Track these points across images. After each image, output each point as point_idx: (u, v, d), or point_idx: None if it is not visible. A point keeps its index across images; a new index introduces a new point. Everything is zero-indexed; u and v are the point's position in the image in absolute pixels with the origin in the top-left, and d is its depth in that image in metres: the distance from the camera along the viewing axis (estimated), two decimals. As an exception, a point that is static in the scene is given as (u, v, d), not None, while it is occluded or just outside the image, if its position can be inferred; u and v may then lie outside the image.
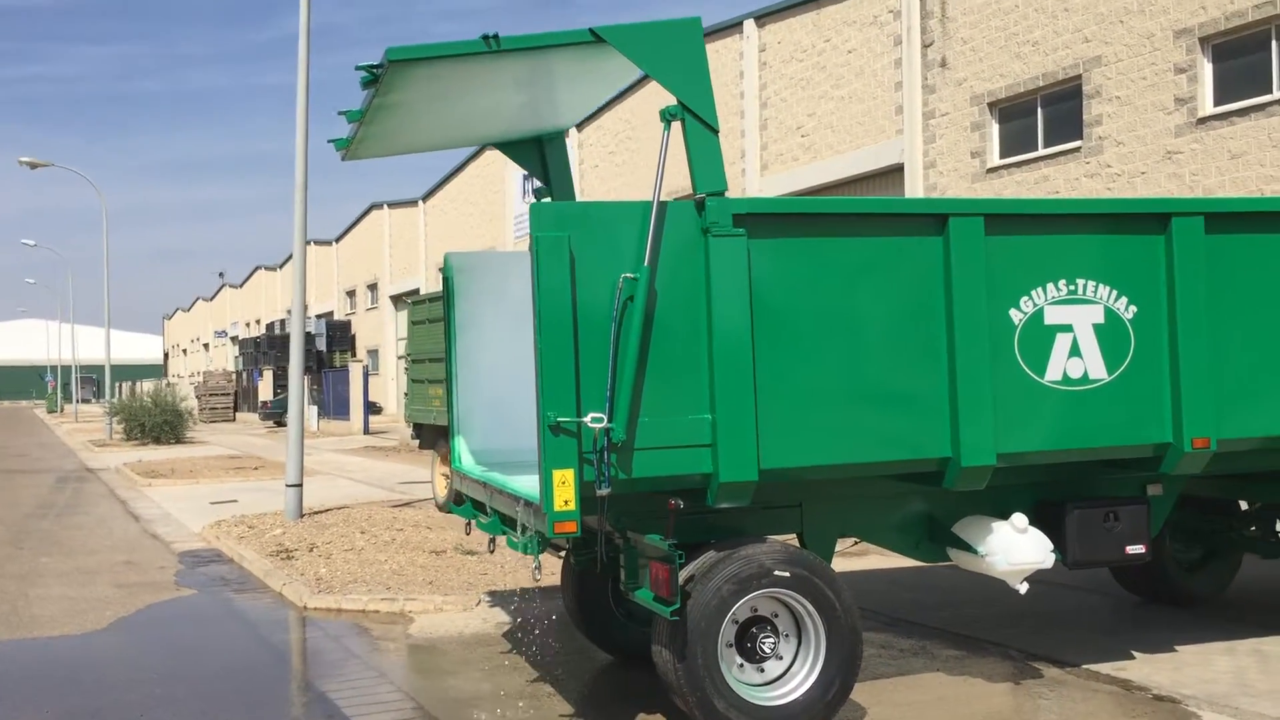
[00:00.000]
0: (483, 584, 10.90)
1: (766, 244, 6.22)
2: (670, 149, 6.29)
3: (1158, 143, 18.71)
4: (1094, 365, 6.71)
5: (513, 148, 8.25)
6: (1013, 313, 6.61)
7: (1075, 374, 6.68)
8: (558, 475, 5.88)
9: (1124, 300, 6.77)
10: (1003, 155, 22.02)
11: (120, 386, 63.98)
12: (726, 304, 6.10)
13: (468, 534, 8.73)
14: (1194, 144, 18.11)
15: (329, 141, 7.75)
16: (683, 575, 6.12)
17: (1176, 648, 7.94)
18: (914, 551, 7.25)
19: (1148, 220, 6.82)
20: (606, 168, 35.24)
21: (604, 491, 5.97)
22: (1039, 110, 21.25)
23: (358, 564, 12.08)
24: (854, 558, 11.34)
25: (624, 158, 34.52)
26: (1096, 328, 6.72)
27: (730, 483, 6.12)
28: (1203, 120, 18.00)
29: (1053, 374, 6.65)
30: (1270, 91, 17.14)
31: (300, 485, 15.67)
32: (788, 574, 6.23)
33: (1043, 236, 6.64)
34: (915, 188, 23.66)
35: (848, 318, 6.37)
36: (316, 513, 16.18)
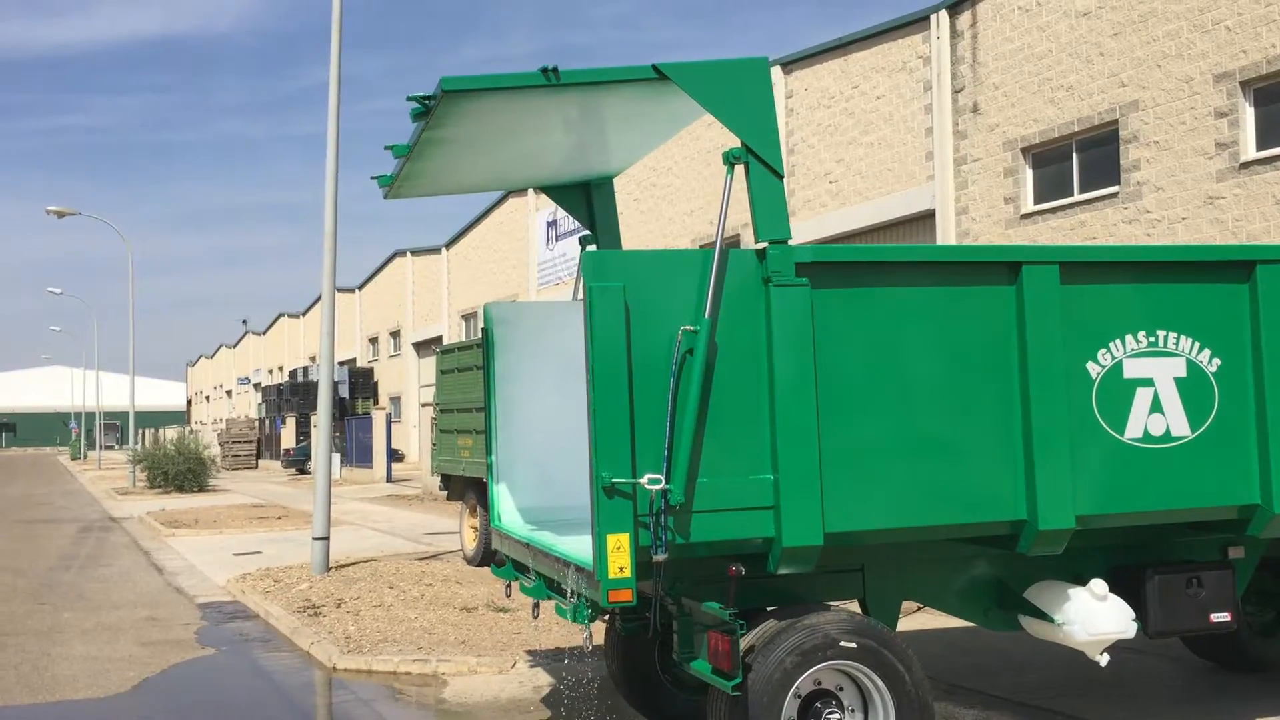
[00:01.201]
0: (517, 644, 10.52)
1: (830, 294, 5.90)
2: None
3: (1198, 188, 18.35)
4: (1176, 422, 6.33)
5: (559, 192, 7.96)
6: (1090, 366, 6.25)
7: (1157, 431, 6.31)
8: (612, 540, 5.53)
9: (1207, 353, 6.41)
10: (1037, 201, 21.70)
11: (143, 433, 63.98)
12: (788, 358, 5.77)
13: (508, 596, 8.37)
14: (1237, 189, 17.74)
15: (372, 178, 7.45)
16: (742, 645, 5.75)
17: (1260, 720, 7.49)
18: (982, 618, 6.85)
19: (1231, 268, 6.46)
20: (631, 214, 35.09)
21: (660, 557, 5.62)
22: (1074, 155, 20.94)
23: (387, 621, 11.73)
24: (902, 618, 10.89)
25: (649, 205, 34.37)
26: (1178, 382, 6.35)
27: (793, 547, 5.76)
28: (1245, 165, 17.65)
29: (1133, 431, 6.28)
30: (1316, 135, 16.79)
31: (327, 538, 15.34)
32: (854, 645, 5.86)
33: (1121, 286, 6.29)
34: (947, 234, 23.35)
35: (916, 372, 6.02)
36: (343, 566, 15.84)
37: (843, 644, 5.85)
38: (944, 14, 23.49)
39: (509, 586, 8.09)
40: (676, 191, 32.73)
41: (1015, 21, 21.89)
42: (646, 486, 5.57)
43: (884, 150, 25.16)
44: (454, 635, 10.95)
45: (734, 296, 5.84)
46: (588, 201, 7.96)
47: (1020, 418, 6.10)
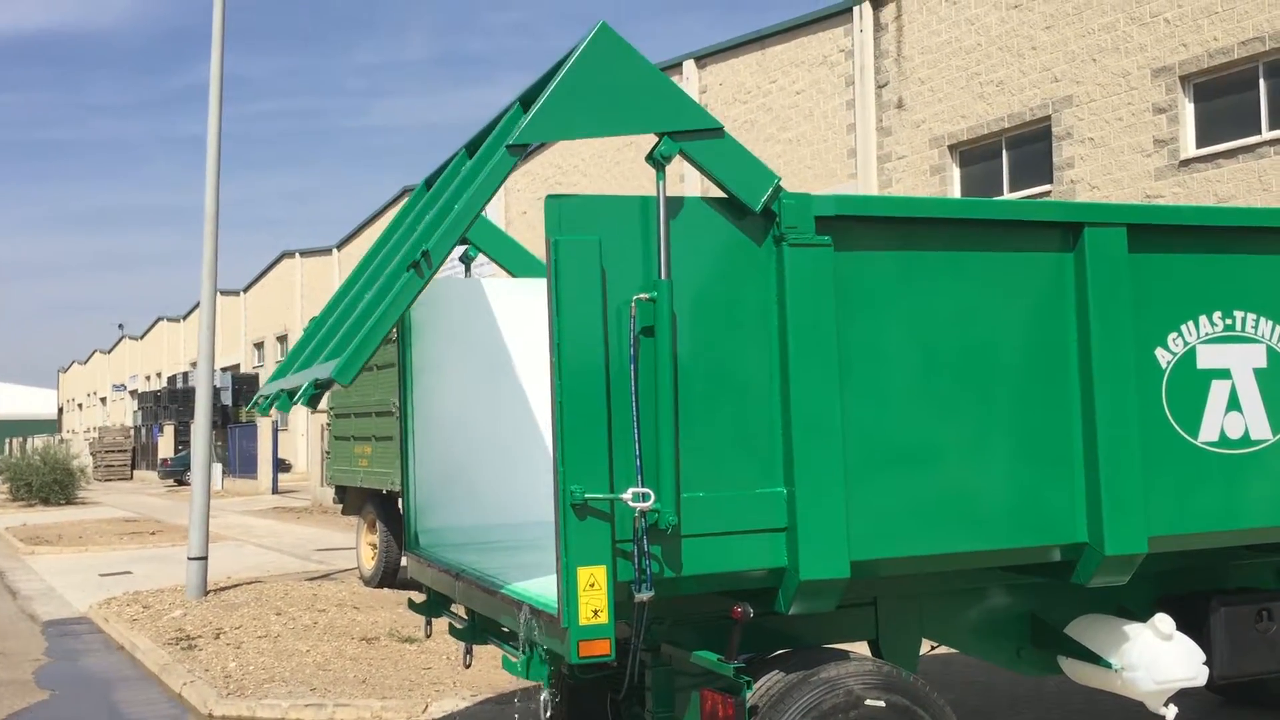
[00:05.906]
0: (427, 681, 9.08)
1: (856, 258, 4.66)
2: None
3: (1136, 186, 17.70)
4: (1256, 422, 5.23)
5: None
6: (1159, 353, 5.11)
7: (1234, 433, 5.19)
8: (584, 574, 4.20)
9: (1288, 338, 5.33)
10: (964, 200, 20.93)
11: (10, 443, 60.36)
12: (808, 336, 4.51)
13: (427, 637, 6.96)
14: (1176, 187, 17.12)
15: (248, 408, 6.30)
16: (741, 706, 4.47)
17: (1309, 770, 6.45)
18: (1014, 661, 5.66)
19: (1317, 237, 5.39)
20: (535, 214, 33.70)
21: (644, 596, 4.31)
22: (1004, 153, 20.22)
23: (274, 656, 10.18)
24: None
25: (554, 203, 33.04)
26: (1258, 373, 5.25)
27: (814, 581, 4.49)
28: (1185, 162, 17.03)
29: (1208, 433, 5.15)
30: (1259, 132, 16.22)
31: (205, 558, 13.65)
32: (883, 703, 4.62)
33: (1194, 255, 5.17)
34: (870, 234, 22.48)
35: (961, 358, 4.81)
36: (223, 588, 14.16)
37: (869, 703, 4.62)
38: (867, 6, 22.64)
39: (429, 624, 6.68)
40: (584, 191, 31.44)
41: (942, 14, 21.12)
42: (630, 504, 4.25)
43: (803, 147, 24.21)
44: (353, 672, 9.47)
45: (727, 259, 4.57)
46: None
47: (1081, 416, 4.92)
